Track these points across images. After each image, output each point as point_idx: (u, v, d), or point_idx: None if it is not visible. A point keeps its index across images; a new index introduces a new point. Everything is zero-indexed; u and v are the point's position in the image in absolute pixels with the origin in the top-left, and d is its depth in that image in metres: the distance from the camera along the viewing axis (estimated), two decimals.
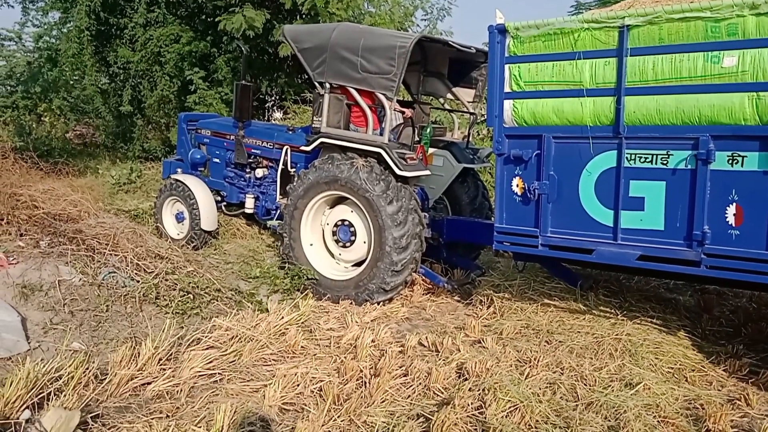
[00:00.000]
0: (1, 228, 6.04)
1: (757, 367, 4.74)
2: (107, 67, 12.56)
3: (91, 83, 12.12)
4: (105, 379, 3.96)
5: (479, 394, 4.05)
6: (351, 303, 6.02)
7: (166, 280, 5.59)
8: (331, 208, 6.33)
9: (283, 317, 5.18)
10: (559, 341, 5.09)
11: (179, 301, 5.38)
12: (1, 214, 6.13)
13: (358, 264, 6.24)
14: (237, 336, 4.74)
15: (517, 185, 5.07)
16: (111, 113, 12.82)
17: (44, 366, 3.79)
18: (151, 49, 11.27)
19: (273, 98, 12.94)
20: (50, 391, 3.66)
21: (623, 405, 4.00)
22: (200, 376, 4.19)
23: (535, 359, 4.67)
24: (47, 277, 5.17)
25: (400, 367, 4.52)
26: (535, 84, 4.88)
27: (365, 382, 4.25)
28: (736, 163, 4.15)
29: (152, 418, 3.65)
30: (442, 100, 7.65)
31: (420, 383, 4.32)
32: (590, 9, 16.44)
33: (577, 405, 4.08)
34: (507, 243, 5.27)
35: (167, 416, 3.70)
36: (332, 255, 6.41)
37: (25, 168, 7.64)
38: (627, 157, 4.55)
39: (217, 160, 7.78)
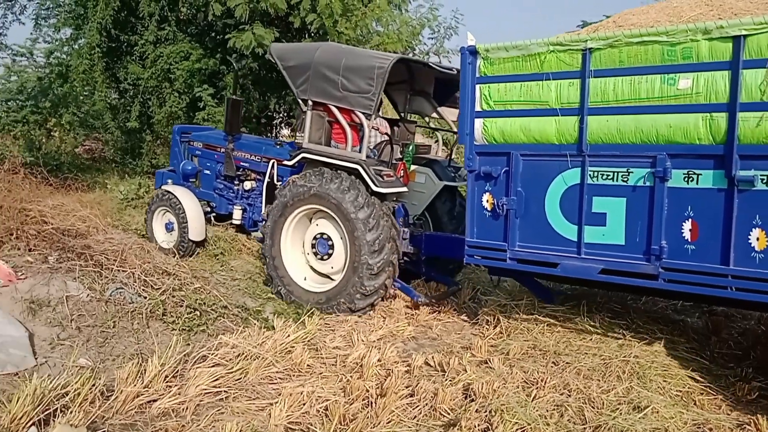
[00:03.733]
0: (10, 243, 6.06)
1: (766, 390, 4.70)
2: (117, 83, 12.66)
3: (101, 99, 12.21)
4: (111, 396, 3.97)
5: (486, 416, 4.03)
6: (356, 321, 6.02)
7: (173, 296, 5.60)
8: (311, 221, 6.50)
9: (289, 335, 5.18)
10: (567, 362, 5.06)
11: (186, 317, 5.38)
12: (11, 229, 6.15)
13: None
14: (243, 353, 4.74)
15: (487, 201, 5.26)
16: (120, 129, 12.91)
17: (51, 382, 3.81)
18: (161, 66, 11.37)
19: (281, 115, 13.02)
20: (57, 408, 3.67)
21: (631, 429, 3.97)
22: (206, 393, 4.20)
23: (542, 381, 4.64)
24: (55, 293, 5.18)
25: (407, 387, 4.51)
26: (504, 103, 5.09)
27: (371, 402, 4.24)
28: (691, 181, 4.33)
29: None
30: (427, 119, 7.87)
31: (426, 404, 4.30)
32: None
33: (584, 428, 4.05)
34: (477, 257, 5.41)
35: None
36: (313, 268, 6.55)
37: (35, 183, 7.69)
38: (590, 174, 4.74)
39: (208, 172, 8.00)
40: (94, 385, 3.95)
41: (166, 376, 4.26)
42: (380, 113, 7.21)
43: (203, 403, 4.10)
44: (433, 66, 6.70)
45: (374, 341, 5.53)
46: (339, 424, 3.90)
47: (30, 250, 6.05)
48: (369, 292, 6.04)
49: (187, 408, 3.98)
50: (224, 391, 4.26)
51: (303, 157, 6.41)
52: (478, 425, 3.94)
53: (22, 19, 13.88)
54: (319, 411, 4.12)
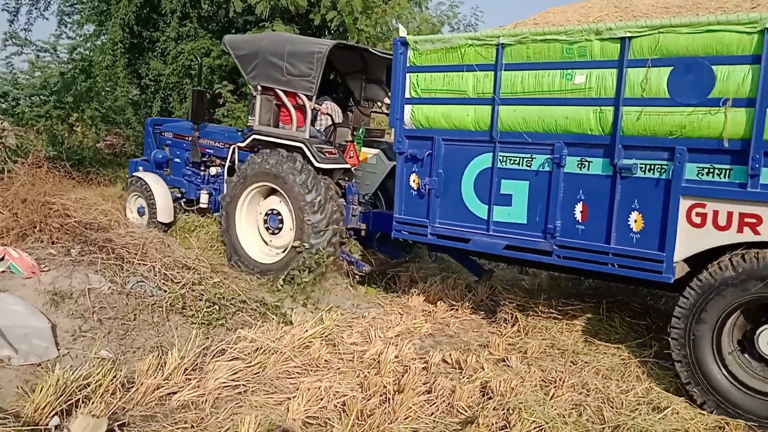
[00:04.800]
0: (33, 235, 6.16)
1: None
2: (139, 79, 12.79)
3: (122, 94, 12.35)
4: (132, 387, 4.01)
5: (504, 414, 4.02)
6: (374, 318, 6.03)
7: (193, 290, 5.64)
8: (265, 199, 7.00)
9: (307, 330, 5.19)
10: (585, 362, 5.04)
11: (205, 311, 5.41)
12: (34, 221, 6.25)
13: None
14: (261, 348, 4.77)
15: (414, 181, 5.70)
16: (141, 124, 13.04)
17: (73, 373, 3.86)
18: (182, 62, 11.47)
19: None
20: (79, 398, 3.72)
21: (651, 429, 3.94)
22: (225, 387, 4.22)
23: (560, 380, 4.61)
24: (77, 285, 5.25)
25: (424, 384, 4.50)
26: (430, 91, 5.51)
27: (389, 398, 4.24)
28: (583, 167, 4.76)
29: (177, 428, 3.69)
30: (381, 104, 8.37)
31: (444, 401, 4.30)
32: None
33: (603, 428, 4.02)
34: (404, 231, 5.86)
35: (192, 426, 3.73)
36: (265, 241, 7.07)
37: (58, 177, 7.79)
38: (500, 159, 5.18)
39: (178, 160, 8.50)
40: (115, 376, 3.99)
41: (186, 369, 4.30)
42: (332, 98, 7.77)
43: (222, 396, 4.13)
44: (373, 51, 7.25)
45: (391, 338, 5.54)
46: (356, 420, 3.90)
47: (53, 242, 6.14)
48: (317, 251, 6.43)
49: (206, 401, 4.02)
50: (243, 385, 4.28)
51: (254, 139, 6.93)
52: (496, 423, 3.93)
53: (46, 15, 14.01)
54: (336, 406, 4.13)
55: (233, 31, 11.81)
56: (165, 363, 4.25)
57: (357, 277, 7.00)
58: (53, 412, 3.55)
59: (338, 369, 4.71)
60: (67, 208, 6.54)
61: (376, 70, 7.98)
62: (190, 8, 11.67)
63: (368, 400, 4.20)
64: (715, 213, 4.20)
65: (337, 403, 4.15)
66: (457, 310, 6.49)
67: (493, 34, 5.09)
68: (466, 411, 4.18)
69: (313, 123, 7.03)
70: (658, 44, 4.31)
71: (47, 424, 3.44)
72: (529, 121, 4.95)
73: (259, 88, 6.88)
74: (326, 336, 5.28)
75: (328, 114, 7.36)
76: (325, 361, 4.81)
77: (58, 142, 12.03)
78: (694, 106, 4.20)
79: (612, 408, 4.26)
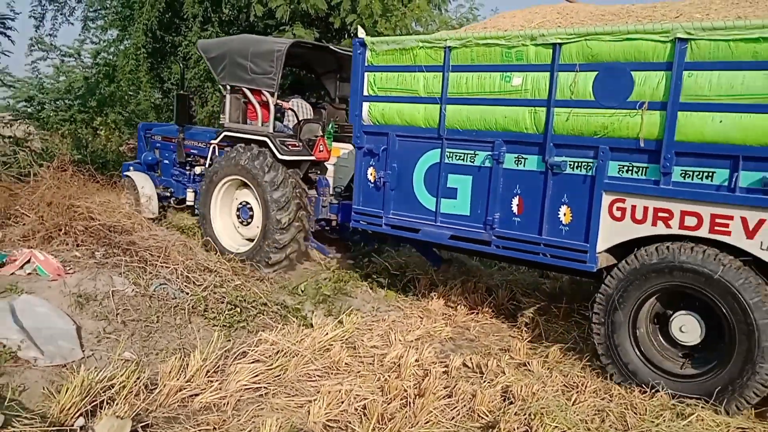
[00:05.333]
0: (59, 238, 6.24)
1: None
2: (161, 83, 12.94)
3: (145, 98, 12.52)
4: (155, 389, 4.04)
5: (525, 419, 3.99)
6: (394, 321, 6.04)
7: (215, 293, 5.69)
8: (237, 190, 7.43)
9: (327, 333, 5.21)
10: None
11: (227, 314, 5.46)
12: (60, 224, 6.33)
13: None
14: (282, 350, 4.79)
15: (371, 174, 6.03)
16: None
17: (98, 374, 3.90)
18: (203, 66, 11.58)
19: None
20: (103, 399, 3.76)
21: None
22: (246, 389, 4.24)
23: (582, 385, 4.58)
24: (101, 287, 5.31)
25: (445, 388, 4.49)
26: (385, 90, 5.85)
27: (409, 402, 4.23)
28: (520, 164, 5.08)
29: (199, 430, 3.71)
30: None
31: (464, 405, 4.28)
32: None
33: None
34: (362, 222, 6.21)
35: (214, 428, 3.76)
36: (238, 232, 7.52)
37: (83, 180, 7.89)
38: (447, 155, 5.49)
39: (166, 161, 8.95)
40: (138, 378, 4.03)
41: (208, 371, 4.33)
42: (303, 96, 8.28)
43: (243, 398, 4.15)
44: (335, 49, 7.69)
45: (412, 341, 5.53)
46: (377, 423, 3.90)
47: (78, 245, 6.23)
48: (281, 245, 6.82)
49: (227, 403, 4.04)
50: (264, 387, 4.31)
51: (225, 136, 7.42)
52: (518, 428, 3.90)
53: (71, 20, 14.25)
54: (357, 409, 4.13)
55: (254, 35, 11.89)
56: (187, 365, 4.28)
57: (376, 280, 7.01)
58: (78, 413, 3.59)
59: (358, 372, 4.72)
60: (92, 211, 6.62)
61: (349, 69, 8.14)
62: (211, 12, 11.78)
63: (389, 403, 4.20)
64: (633, 208, 4.53)
65: (358, 406, 4.16)
66: (477, 313, 6.47)
67: (441, 37, 5.43)
68: (487, 416, 4.16)
69: (281, 119, 7.67)
70: (585, 50, 4.61)
71: (72, 425, 3.48)
72: (472, 119, 5.27)
73: (228, 87, 7.35)
74: (346, 339, 5.28)
75: (291, 109, 7.79)
76: (346, 364, 4.81)
77: (83, 145, 12.22)
78: (615, 109, 4.51)
79: (636, 414, 4.22)
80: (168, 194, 8.71)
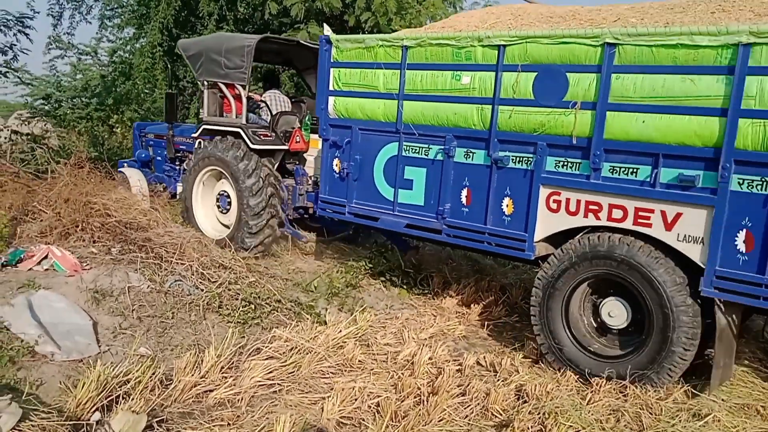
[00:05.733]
0: (76, 234, 6.30)
1: None
2: (177, 81, 13.02)
3: (161, 96, 12.58)
4: (170, 384, 4.07)
5: (539, 418, 3.97)
6: (407, 319, 6.03)
7: (229, 289, 5.72)
8: (218, 181, 7.73)
9: (341, 330, 5.21)
10: None
11: (241, 310, 5.48)
12: (77, 221, 6.39)
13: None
14: (296, 347, 4.80)
15: (336, 165, 6.35)
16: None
17: (114, 369, 3.94)
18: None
19: None
20: (119, 394, 3.79)
21: None
22: (260, 385, 4.26)
23: (597, 384, 4.54)
24: (117, 283, 5.36)
25: (458, 386, 4.48)
26: (349, 85, 6.12)
27: (423, 400, 4.23)
28: (469, 158, 5.34)
29: (214, 425, 3.73)
30: None
31: (478, 404, 4.27)
32: None
33: None
34: (328, 210, 6.54)
35: (228, 424, 3.78)
36: (219, 221, 7.79)
37: (99, 177, 7.95)
38: (404, 148, 5.77)
39: (159, 158, 9.27)
40: (154, 373, 4.05)
41: (222, 367, 4.35)
42: (280, 90, 8.51)
43: (257, 394, 4.17)
44: (304, 44, 7.91)
45: (425, 339, 5.52)
46: (391, 421, 3.90)
47: (94, 241, 6.28)
48: (255, 230, 7.11)
49: (242, 399, 4.06)
50: (278, 384, 4.32)
51: (204, 129, 7.75)
52: (532, 427, 3.89)
53: (88, 19, 14.40)
54: (370, 407, 4.14)
55: (268, 32, 11.93)
56: (202, 361, 4.31)
57: (390, 278, 7.01)
58: (94, 408, 3.62)
59: (372, 370, 4.72)
60: (108, 207, 6.67)
61: None
62: (226, 11, 11.83)
63: (402, 401, 4.20)
64: (567, 200, 4.82)
65: (372, 403, 4.16)
66: (491, 312, 6.45)
67: (399, 36, 5.72)
68: (501, 414, 4.15)
69: (258, 113, 8.03)
70: (526, 52, 4.89)
71: (89, 419, 3.51)
72: (427, 115, 5.55)
73: (206, 83, 7.69)
74: (360, 336, 5.29)
75: (262, 101, 8.05)
76: (359, 361, 4.82)
77: (99, 143, 12.32)
78: (552, 107, 4.79)
79: (651, 414, 4.18)
80: (161, 189, 8.91)
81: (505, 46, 4.97)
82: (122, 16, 14.12)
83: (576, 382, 4.67)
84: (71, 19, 14.03)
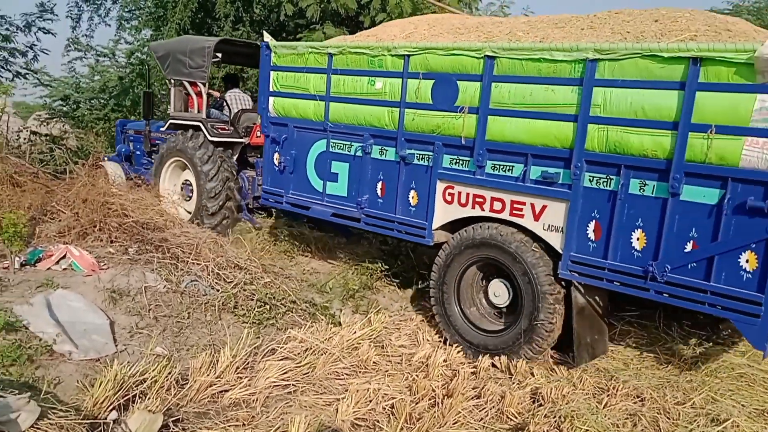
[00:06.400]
0: (93, 234, 6.36)
1: None
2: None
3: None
4: (186, 384, 4.10)
5: (555, 422, 3.95)
6: (422, 320, 6.03)
7: (244, 290, 5.74)
8: (182, 171, 8.37)
9: (355, 332, 5.22)
10: (639, 370, 4.90)
11: (256, 311, 5.50)
12: (94, 221, 6.45)
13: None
14: (311, 348, 4.81)
15: (276, 158, 6.90)
16: None
17: (130, 369, 3.96)
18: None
19: None
20: (135, 394, 3.81)
21: None
22: (275, 386, 4.28)
23: (613, 388, 4.51)
24: (134, 283, 5.40)
25: (473, 389, 4.46)
26: (285, 87, 6.71)
27: (437, 402, 4.22)
28: (383, 154, 5.92)
29: (229, 425, 3.74)
30: None
31: (493, 406, 4.25)
32: (723, 13, 15.92)
33: None
34: (270, 200, 7.08)
35: (243, 425, 3.79)
36: (184, 209, 8.32)
37: None
38: (331, 145, 6.35)
39: (138, 153, 9.77)
40: (170, 373, 4.08)
41: (237, 368, 4.37)
42: (241, 90, 9.28)
43: (272, 395, 4.18)
44: (254, 44, 8.27)
45: (439, 341, 5.51)
46: (405, 423, 3.90)
47: (111, 241, 6.34)
48: (212, 211, 7.76)
49: (256, 399, 4.07)
50: (292, 385, 4.33)
51: (170, 124, 8.43)
52: (547, 431, 3.86)
53: (107, 21, 14.55)
54: (385, 408, 4.13)
55: (284, 34, 11.99)
56: (217, 361, 4.33)
57: (404, 279, 7.00)
58: (111, 407, 3.65)
59: (386, 371, 4.72)
60: (125, 208, 6.73)
61: None
62: (242, 12, 11.90)
63: (417, 403, 4.19)
64: (459, 193, 5.44)
65: (386, 405, 4.16)
66: None
67: (325, 45, 6.43)
68: (516, 417, 4.13)
69: (222, 109, 8.78)
70: (426, 62, 5.45)
71: (106, 418, 3.54)
72: (348, 115, 6.13)
73: (173, 81, 8.42)
74: (374, 338, 5.29)
75: (222, 98, 8.82)
76: (374, 362, 4.82)
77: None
78: (446, 111, 5.37)
79: (668, 419, 4.14)
80: (140, 182, 9.24)
81: (409, 55, 5.56)
82: (140, 18, 14.26)
83: (592, 386, 4.63)
84: (90, 21, 14.21)
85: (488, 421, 4.11)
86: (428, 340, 5.43)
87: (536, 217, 4.97)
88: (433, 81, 5.44)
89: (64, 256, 5.68)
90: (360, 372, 4.67)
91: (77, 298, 4.96)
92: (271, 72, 6.81)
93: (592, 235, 4.66)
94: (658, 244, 4.32)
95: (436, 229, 5.62)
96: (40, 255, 5.68)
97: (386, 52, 5.73)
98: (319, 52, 6.28)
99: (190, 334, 5.04)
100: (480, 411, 4.21)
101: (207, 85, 8.06)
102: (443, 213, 5.55)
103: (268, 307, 5.63)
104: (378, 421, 3.97)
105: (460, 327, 5.46)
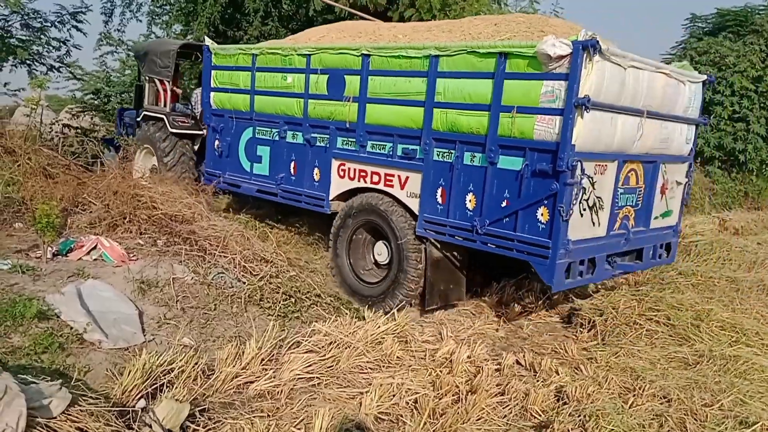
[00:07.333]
0: (123, 226, 6.47)
1: None
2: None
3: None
4: (212, 374, 4.14)
5: (580, 420, 3.91)
6: (446, 316, 6.03)
7: (270, 283, 5.79)
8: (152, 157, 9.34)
9: (379, 326, 5.20)
10: (666, 370, 4.83)
11: (281, 304, 5.55)
12: (124, 213, 6.56)
13: None
14: (335, 341, 4.82)
15: (216, 145, 8.12)
16: None
17: (158, 358, 4.02)
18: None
19: None
20: (163, 383, 3.87)
21: None
22: (299, 378, 4.30)
23: (639, 388, 4.46)
24: (163, 275, 5.48)
25: (497, 386, 4.45)
26: (223, 83, 7.96)
27: (461, 398, 4.22)
28: (294, 138, 7.06)
29: (254, 416, 3.77)
30: None
31: (517, 404, 4.24)
32: (706, 20, 15.59)
33: None
34: (211, 180, 8.12)
35: (268, 416, 3.82)
36: None
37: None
38: (257, 132, 7.56)
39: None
40: (196, 363, 4.13)
41: (263, 360, 4.40)
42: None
43: (296, 387, 4.21)
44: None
45: (464, 338, 5.49)
46: (429, 418, 3.90)
47: (141, 233, 6.44)
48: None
49: (281, 391, 4.10)
50: (317, 378, 4.35)
51: (144, 116, 9.46)
52: (572, 429, 3.84)
53: (138, 16, 14.73)
54: (408, 403, 4.14)
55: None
56: (243, 353, 4.37)
57: None
58: (139, 395, 3.71)
59: (410, 366, 4.72)
60: (155, 200, 6.83)
61: None
62: (272, 8, 11.96)
63: (440, 399, 4.19)
64: (349, 169, 6.54)
65: (410, 400, 4.16)
66: (531, 312, 6.38)
67: (249, 47, 7.66)
68: (541, 415, 4.11)
69: (189, 106, 9.64)
70: (321, 59, 6.58)
71: (134, 406, 3.60)
72: (268, 106, 7.29)
73: (147, 78, 9.51)
74: (398, 333, 5.27)
75: (185, 96, 9.94)
76: (398, 357, 4.82)
77: None
78: (337, 100, 6.46)
79: (696, 421, 4.08)
80: None
81: (310, 55, 6.66)
82: (170, 13, 14.41)
83: (618, 385, 4.58)
84: (122, 16, 14.39)
85: (512, 418, 4.10)
86: (452, 336, 5.41)
87: (402, 187, 6.05)
88: (327, 75, 6.52)
89: (94, 247, 5.79)
90: (384, 366, 4.67)
91: (107, 288, 5.05)
92: (212, 71, 8.04)
93: (439, 200, 5.70)
94: (482, 204, 5.34)
95: (333, 200, 6.71)
96: (72, 245, 5.79)
97: (293, 52, 6.84)
98: (245, 53, 7.52)
99: (216, 326, 5.10)
100: (504, 408, 4.19)
101: (170, 82, 9.15)
102: (337, 186, 6.65)
103: (293, 300, 5.67)
104: (401, 416, 3.98)
105: (350, 281, 6.55)
